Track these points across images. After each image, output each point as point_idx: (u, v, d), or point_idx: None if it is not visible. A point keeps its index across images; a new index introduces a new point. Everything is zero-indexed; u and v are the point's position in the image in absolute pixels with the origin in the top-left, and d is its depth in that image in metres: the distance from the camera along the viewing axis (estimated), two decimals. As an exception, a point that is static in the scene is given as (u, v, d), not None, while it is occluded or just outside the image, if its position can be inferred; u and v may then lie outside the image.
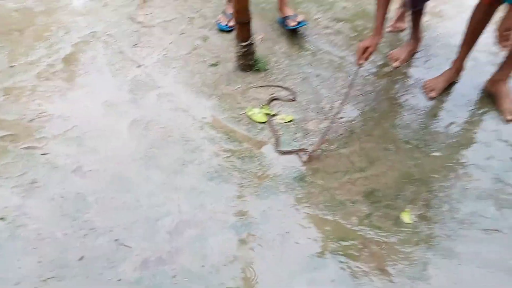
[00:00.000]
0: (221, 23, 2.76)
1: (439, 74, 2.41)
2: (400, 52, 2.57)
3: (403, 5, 2.70)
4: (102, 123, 2.21)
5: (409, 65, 2.57)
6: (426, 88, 2.40)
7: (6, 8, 2.94)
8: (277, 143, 2.13)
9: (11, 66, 2.51)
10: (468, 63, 2.40)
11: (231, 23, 2.70)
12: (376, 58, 2.61)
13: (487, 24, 2.10)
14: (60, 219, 1.82)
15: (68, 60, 2.57)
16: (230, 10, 2.73)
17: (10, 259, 1.68)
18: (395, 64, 2.56)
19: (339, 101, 2.28)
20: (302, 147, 2.11)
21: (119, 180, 1.96)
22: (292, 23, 2.68)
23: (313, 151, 2.07)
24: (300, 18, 2.69)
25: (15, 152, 2.05)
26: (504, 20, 1.85)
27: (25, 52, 2.62)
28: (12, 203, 1.86)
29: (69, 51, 2.63)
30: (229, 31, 2.72)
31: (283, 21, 2.75)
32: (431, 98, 2.37)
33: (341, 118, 2.26)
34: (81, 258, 1.70)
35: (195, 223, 1.82)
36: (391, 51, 2.62)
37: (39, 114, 2.25)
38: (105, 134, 2.16)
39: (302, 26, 2.70)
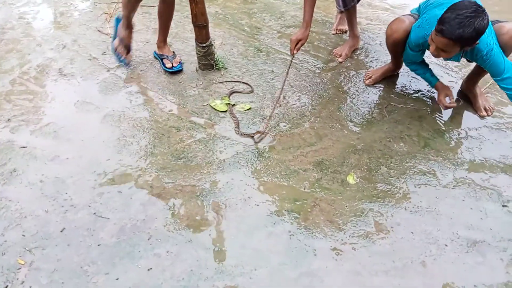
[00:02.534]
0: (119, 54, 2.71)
1: (378, 66, 2.79)
2: (342, 49, 2.94)
3: (340, 11, 3.09)
4: (76, 119, 2.41)
5: (351, 60, 2.93)
6: (365, 77, 2.75)
7: (-22, 26, 3.13)
8: (237, 127, 2.39)
9: (-14, 76, 2.69)
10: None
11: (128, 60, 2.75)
12: (322, 55, 2.96)
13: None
14: (41, 200, 1.98)
15: (40, 67, 2.78)
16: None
17: (-5, 234, 1.83)
18: (339, 59, 2.91)
19: (289, 92, 2.60)
20: (259, 129, 2.38)
21: (94, 165, 2.16)
22: (168, 65, 2.73)
23: (264, 131, 2.34)
24: (176, 61, 2.73)
25: (-6, 146, 2.22)
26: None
27: (-1, 63, 2.80)
28: (-6, 189, 2.02)
29: (41, 60, 2.83)
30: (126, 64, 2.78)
31: (158, 57, 2.81)
32: (368, 85, 2.71)
33: (293, 104, 2.57)
34: (62, 230, 1.86)
35: (166, 195, 2.03)
36: (335, 49, 2.98)
37: (14, 115, 2.43)
38: (79, 127, 2.36)
39: (177, 69, 2.72)
